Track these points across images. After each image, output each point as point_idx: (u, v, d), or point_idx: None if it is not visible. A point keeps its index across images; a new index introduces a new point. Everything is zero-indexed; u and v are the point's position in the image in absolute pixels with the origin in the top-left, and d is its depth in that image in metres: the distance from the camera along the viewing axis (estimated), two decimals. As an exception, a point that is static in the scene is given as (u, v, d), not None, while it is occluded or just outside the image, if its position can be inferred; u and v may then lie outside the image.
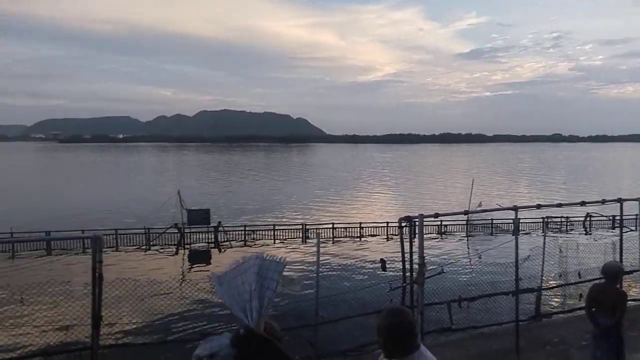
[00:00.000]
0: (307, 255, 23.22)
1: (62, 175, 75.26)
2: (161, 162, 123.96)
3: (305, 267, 19.44)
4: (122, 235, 25.58)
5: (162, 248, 25.69)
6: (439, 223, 28.54)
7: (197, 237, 26.80)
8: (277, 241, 27.23)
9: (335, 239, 27.37)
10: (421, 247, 6.63)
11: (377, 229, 28.58)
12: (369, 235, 28.10)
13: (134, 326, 12.68)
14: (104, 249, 6.97)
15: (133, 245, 25.53)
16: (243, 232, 27.56)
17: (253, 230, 27.98)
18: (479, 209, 24.97)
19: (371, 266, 19.45)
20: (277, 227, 28.17)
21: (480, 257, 22.07)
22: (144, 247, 25.43)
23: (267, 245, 26.43)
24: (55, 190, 53.72)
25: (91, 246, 6.71)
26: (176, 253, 25.16)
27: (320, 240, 9.77)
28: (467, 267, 20.94)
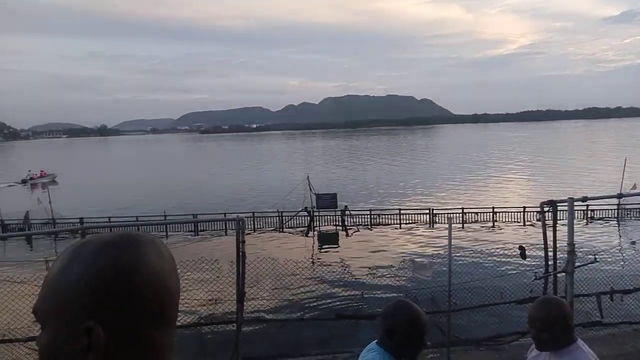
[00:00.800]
0: (435, 241, 22.69)
1: (206, 163, 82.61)
2: (290, 149, 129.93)
3: (435, 253, 19.02)
4: (258, 218, 27.42)
5: (294, 230, 27.06)
6: (584, 207, 25.90)
7: (326, 220, 27.67)
8: (402, 226, 27.03)
9: (465, 225, 26.34)
10: (571, 232, 6.08)
11: (512, 214, 26.85)
12: (502, 222, 26.54)
13: (273, 303, 13.56)
14: (245, 230, 7.49)
15: (268, 227, 27.23)
16: (369, 216, 27.81)
17: (379, 214, 28.09)
18: (633, 191, 22.16)
19: (506, 253, 18.38)
20: (402, 212, 27.92)
21: (634, 245, 19.67)
22: (277, 229, 27.01)
23: (394, 229, 26.38)
24: (201, 176, 59.32)
25: (235, 227, 7.29)
26: (307, 235, 26.30)
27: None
28: (617, 255, 18.77)
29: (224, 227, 25.42)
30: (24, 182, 56.79)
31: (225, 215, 25.15)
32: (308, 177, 28.06)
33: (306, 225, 27.17)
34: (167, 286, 0.79)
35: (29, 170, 59.00)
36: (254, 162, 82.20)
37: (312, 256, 21.44)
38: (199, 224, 26.23)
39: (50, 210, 27.31)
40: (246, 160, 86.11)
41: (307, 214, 27.14)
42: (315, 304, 14.27)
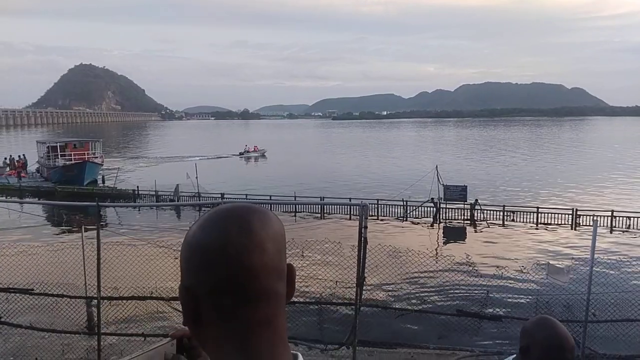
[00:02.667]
0: (576, 244, 20.64)
1: (336, 149, 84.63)
2: (420, 137, 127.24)
3: (575, 257, 17.31)
4: (382, 205, 27.43)
5: (418, 220, 26.58)
6: None
7: (453, 213, 26.70)
8: (539, 225, 24.98)
9: (614, 229, 23.51)
10: None
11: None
12: (662, 229, 23.17)
13: (392, 292, 13.55)
14: (368, 217, 7.55)
15: (391, 216, 27.10)
16: (502, 212, 26.17)
17: (512, 212, 26.29)
18: None
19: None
20: (541, 210, 25.77)
21: None
22: (401, 218, 26.76)
23: (529, 228, 24.53)
24: (329, 161, 61.06)
25: (358, 213, 7.39)
26: (432, 227, 25.67)
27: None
28: None
29: (348, 212, 25.92)
30: (240, 154, 64.41)
31: (350, 200, 25.66)
32: (437, 167, 27.26)
33: (432, 216, 26.51)
34: (243, 262, 0.81)
35: (246, 145, 66.55)
36: (381, 149, 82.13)
37: (436, 249, 20.90)
38: (325, 206, 27.09)
39: (196, 184, 30.27)
40: (374, 147, 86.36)
41: (433, 205, 26.45)
42: (436, 297, 13.92)
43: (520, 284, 15.02)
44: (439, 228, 25.50)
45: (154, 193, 31.40)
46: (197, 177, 30.22)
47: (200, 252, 0.82)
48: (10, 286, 8.01)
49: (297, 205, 27.78)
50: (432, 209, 26.58)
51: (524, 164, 55.80)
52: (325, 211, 27.37)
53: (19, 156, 42.90)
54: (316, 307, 10.45)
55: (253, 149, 66.41)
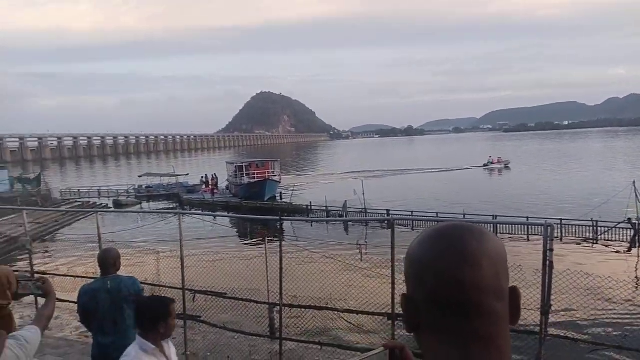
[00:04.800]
0: None
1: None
2: (609, 149, 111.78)
3: None
4: (566, 226, 24.64)
5: (611, 244, 23.19)
6: None
7: (658, 236, 22.65)
8: None
9: None
10: None
11: None
12: None
13: (582, 321, 11.99)
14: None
15: (576, 237, 24.17)
16: None
17: None
18: None
19: None
20: None
21: None
22: (591, 240, 23.68)
23: None
24: (496, 175, 57.30)
25: (542, 234, 6.72)
26: (629, 251, 22.17)
27: None
28: None
29: (525, 232, 23.85)
30: (485, 165, 66.21)
31: (527, 219, 23.58)
32: (634, 182, 23.58)
33: (629, 240, 22.91)
34: (453, 276, 0.84)
35: (490, 156, 68.74)
36: (561, 163, 74.21)
37: (637, 276, 17.97)
38: (498, 226, 25.34)
39: (363, 200, 31.04)
40: (552, 161, 78.44)
41: (630, 227, 22.86)
42: (637, 330, 11.91)
43: None
44: (638, 253, 21.91)
45: (324, 208, 33.08)
46: (363, 194, 30.98)
47: (415, 265, 0.89)
48: (208, 289, 9.10)
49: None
50: (629, 230, 23.00)
51: None
52: (499, 231, 25.58)
53: (212, 175, 49.14)
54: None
55: (497, 161, 66.52)
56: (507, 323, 0.87)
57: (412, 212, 28.46)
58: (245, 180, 42.67)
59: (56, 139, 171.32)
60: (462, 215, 25.75)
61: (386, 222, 23.83)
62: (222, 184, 48.07)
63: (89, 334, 8.93)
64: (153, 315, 3.09)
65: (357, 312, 7.78)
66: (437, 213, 26.10)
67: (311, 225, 28.61)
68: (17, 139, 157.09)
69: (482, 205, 32.65)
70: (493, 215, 24.40)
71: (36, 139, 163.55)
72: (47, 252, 20.86)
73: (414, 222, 24.66)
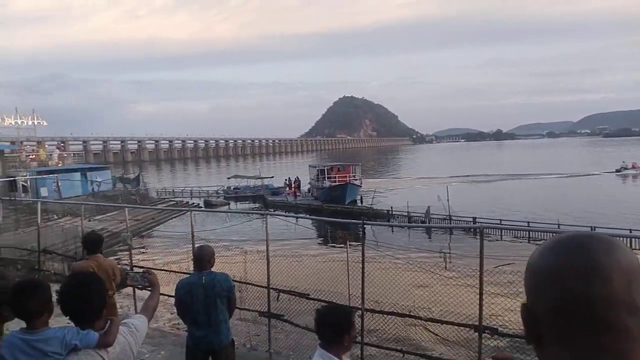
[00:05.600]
0: None
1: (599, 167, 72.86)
2: None
3: None
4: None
5: None
6: None
7: None
8: None
9: None
10: None
11: None
12: None
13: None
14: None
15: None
16: None
17: None
18: None
19: None
20: None
21: None
22: None
23: None
24: (590, 183, 52.98)
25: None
26: None
27: None
28: None
29: (629, 245, 21.79)
30: (617, 171, 63.47)
31: (630, 231, 21.54)
32: None
33: None
34: (576, 288, 0.80)
35: (623, 162, 65.69)
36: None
37: None
38: (633, 240, 23.08)
39: (447, 207, 30.13)
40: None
41: None
42: None
43: None
44: None
45: (406, 214, 32.54)
46: (448, 200, 30.08)
47: (536, 274, 0.86)
48: (291, 289, 9.28)
49: (550, 234, 24.59)
50: None
51: None
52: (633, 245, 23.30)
53: (295, 178, 50.26)
54: None
55: (631, 166, 62.78)
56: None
57: (500, 220, 27.15)
58: (327, 183, 43.14)
59: (153, 142, 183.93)
60: (557, 226, 24.10)
61: (472, 230, 22.97)
62: (305, 186, 48.99)
63: (181, 325, 9.48)
64: (337, 327, 2.89)
65: (442, 322, 7.53)
66: (528, 222, 24.71)
67: (392, 231, 28.28)
68: (119, 142, 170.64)
69: (620, 216, 29.68)
70: (591, 227, 22.57)
71: (135, 142, 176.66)
72: (143, 247, 22.45)
73: (503, 230, 23.51)
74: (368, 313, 7.73)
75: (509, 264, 11.78)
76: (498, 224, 25.44)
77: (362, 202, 41.57)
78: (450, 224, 28.62)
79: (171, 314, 9.88)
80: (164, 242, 21.10)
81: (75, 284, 2.45)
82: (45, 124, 63.94)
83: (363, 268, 7.46)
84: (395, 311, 7.98)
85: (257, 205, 44.87)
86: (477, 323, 6.37)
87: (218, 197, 49.53)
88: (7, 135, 58.89)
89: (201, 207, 41.11)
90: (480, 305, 6.24)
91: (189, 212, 11.08)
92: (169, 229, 25.79)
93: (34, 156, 53.32)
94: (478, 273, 6.31)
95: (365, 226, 8.27)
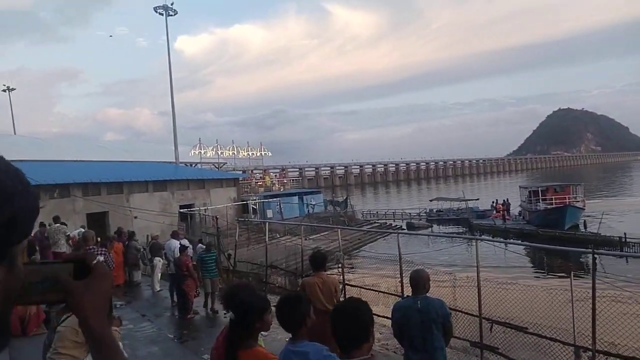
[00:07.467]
0: None
1: None
2: None
3: None
4: None
5: None
6: None
7: None
8: None
9: None
10: None
11: None
12: None
13: None
14: None
15: None
16: None
17: None
18: None
19: None
20: None
21: None
22: None
23: None
24: None
25: None
26: None
27: None
28: None
29: None
30: None
31: None
32: None
33: None
34: None
35: None
36: None
37: None
38: None
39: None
40: None
41: None
42: None
43: None
44: None
45: (644, 242, 27.54)
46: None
47: None
48: (506, 320, 8.65)
49: None
50: None
51: None
52: None
53: (504, 200, 47.04)
54: None
55: None
56: None
57: None
58: (541, 206, 39.29)
59: (358, 166, 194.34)
60: None
61: None
62: (514, 209, 45.50)
63: (389, 346, 9.64)
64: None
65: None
66: None
67: (626, 262, 24.16)
68: (329, 168, 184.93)
69: None
70: None
71: (343, 167, 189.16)
72: (352, 266, 23.64)
73: None
74: (601, 355, 6.73)
75: None
76: None
77: (585, 227, 36.54)
78: None
79: (380, 333, 10.13)
80: (371, 261, 21.93)
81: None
82: (269, 154, 73.00)
83: (594, 303, 6.57)
84: (637, 357, 6.78)
85: (460, 228, 43.33)
86: None
87: (420, 219, 49.40)
88: (241, 165, 68.98)
89: (403, 229, 41.59)
90: None
91: (394, 234, 11.34)
92: (373, 250, 26.68)
93: (260, 183, 61.27)
94: None
95: (596, 256, 7.26)
